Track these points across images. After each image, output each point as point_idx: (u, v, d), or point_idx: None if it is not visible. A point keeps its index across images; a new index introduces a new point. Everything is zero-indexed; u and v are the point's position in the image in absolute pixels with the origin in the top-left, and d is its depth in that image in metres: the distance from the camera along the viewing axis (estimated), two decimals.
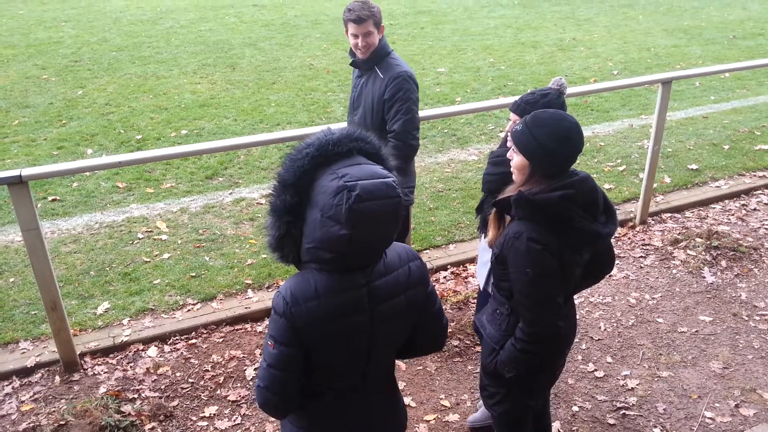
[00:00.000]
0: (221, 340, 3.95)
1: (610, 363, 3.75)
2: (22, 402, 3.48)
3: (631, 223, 5.21)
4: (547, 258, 2.19)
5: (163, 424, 3.35)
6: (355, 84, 3.67)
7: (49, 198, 5.53)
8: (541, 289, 2.21)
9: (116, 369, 3.71)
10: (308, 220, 1.75)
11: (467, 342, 3.88)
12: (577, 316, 4.09)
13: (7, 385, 3.59)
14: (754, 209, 5.46)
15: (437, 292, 3.90)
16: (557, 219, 2.17)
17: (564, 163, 2.25)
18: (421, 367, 3.73)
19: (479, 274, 3.24)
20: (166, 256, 4.75)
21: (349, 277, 1.79)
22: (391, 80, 3.46)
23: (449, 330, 3.51)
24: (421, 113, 4.21)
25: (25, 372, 3.67)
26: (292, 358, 1.81)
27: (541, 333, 2.24)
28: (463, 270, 4.61)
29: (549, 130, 2.20)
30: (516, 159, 2.31)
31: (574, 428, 3.31)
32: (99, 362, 3.77)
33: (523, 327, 2.27)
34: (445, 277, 4.54)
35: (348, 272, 1.79)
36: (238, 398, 3.50)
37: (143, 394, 3.52)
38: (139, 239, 4.97)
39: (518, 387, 2.49)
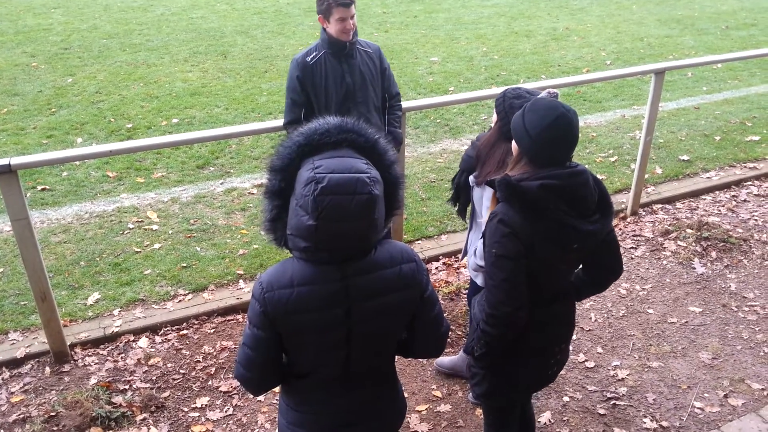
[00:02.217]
0: (212, 330, 3.94)
1: (600, 353, 3.77)
2: (12, 393, 3.46)
3: (622, 214, 5.23)
4: (513, 242, 2.18)
5: (155, 415, 3.34)
6: (342, 71, 3.61)
7: (39, 187, 5.49)
8: (502, 271, 2.20)
9: (107, 360, 3.70)
10: (290, 207, 1.78)
11: (459, 332, 3.88)
12: None
13: None
14: (744, 200, 5.48)
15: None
16: (533, 207, 2.15)
17: (550, 152, 2.20)
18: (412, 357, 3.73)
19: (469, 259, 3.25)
20: (156, 246, 4.72)
21: (325, 270, 1.79)
22: (378, 51, 3.80)
23: None
24: (414, 103, 4.22)
25: (14, 363, 3.66)
26: (264, 341, 1.85)
27: (496, 316, 2.23)
28: (456, 260, 4.62)
29: (537, 117, 2.18)
30: (513, 142, 2.32)
31: (565, 418, 3.33)
32: (89, 353, 3.75)
33: (485, 307, 2.28)
34: (437, 268, 4.55)
35: (325, 264, 1.79)
36: (230, 389, 3.50)
37: (134, 385, 3.51)
38: (130, 229, 4.94)
39: (493, 371, 2.50)
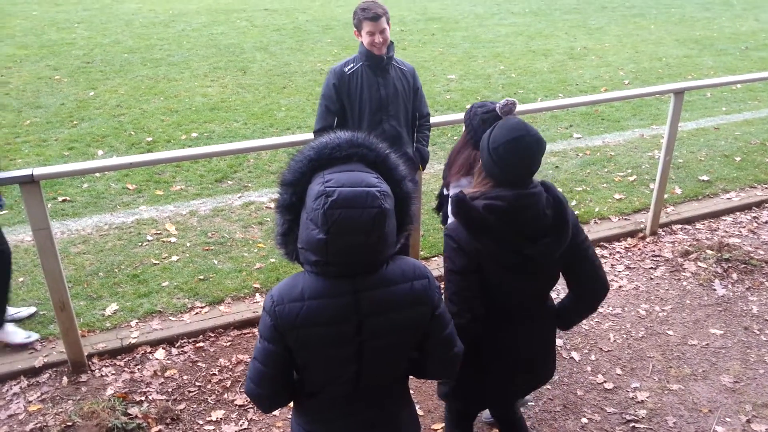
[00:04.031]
0: (229, 343, 3.95)
1: (619, 375, 3.72)
2: (30, 402, 3.48)
3: (641, 234, 5.18)
4: (459, 256, 2.21)
5: (170, 427, 3.34)
6: (377, 84, 3.72)
7: (60, 198, 5.55)
8: (452, 284, 2.23)
9: (124, 371, 3.71)
10: (301, 221, 1.78)
11: None
12: (586, 327, 4.09)
13: (15, 385, 3.60)
14: (766, 222, 5.41)
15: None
16: (475, 226, 2.17)
17: (504, 170, 2.20)
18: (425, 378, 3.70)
19: None
20: (174, 258, 4.75)
21: (335, 284, 1.78)
22: (412, 71, 3.94)
23: None
24: (432, 119, 4.23)
25: (33, 372, 3.68)
26: (275, 355, 1.84)
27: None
28: None
29: (500, 134, 2.20)
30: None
31: None
32: (106, 364, 3.77)
33: None
34: None
35: (335, 278, 1.78)
36: (245, 403, 3.49)
37: (150, 397, 3.51)
38: (148, 241, 4.98)
39: (462, 384, 2.50)
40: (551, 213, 2.21)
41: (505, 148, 2.17)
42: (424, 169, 4.07)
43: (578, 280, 2.40)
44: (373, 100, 3.73)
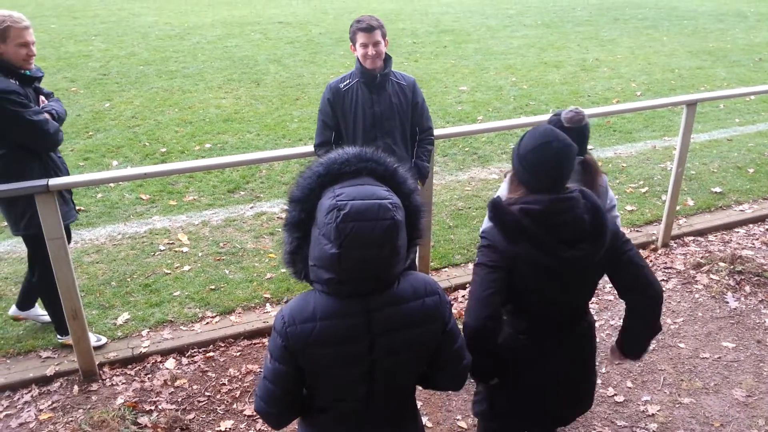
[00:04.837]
0: (239, 353, 3.96)
1: (630, 388, 3.69)
2: (41, 410, 3.51)
3: (653, 246, 5.15)
4: (492, 251, 2.21)
5: None
6: (372, 101, 3.73)
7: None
8: (478, 279, 2.22)
9: (134, 380, 3.74)
10: (312, 238, 1.77)
11: None
12: (597, 339, 4.05)
13: (26, 393, 3.63)
14: None
15: (455, 311, 3.88)
16: (510, 230, 2.17)
17: (532, 176, 2.20)
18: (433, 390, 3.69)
19: None
20: (186, 268, 4.79)
21: (348, 303, 1.77)
22: (412, 84, 3.88)
23: None
24: (443, 131, 4.25)
25: (44, 380, 3.71)
26: (285, 375, 1.84)
27: (470, 324, 2.19)
28: None
29: (529, 141, 2.21)
30: None
31: None
32: (117, 373, 3.79)
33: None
34: (464, 296, 4.52)
35: (348, 298, 1.77)
36: (254, 413, 3.50)
37: (160, 406, 3.53)
38: (161, 251, 5.02)
39: (493, 393, 2.47)
40: (589, 218, 2.20)
41: (534, 154, 2.18)
42: (423, 184, 4.04)
43: (625, 285, 2.32)
44: (366, 117, 3.74)
